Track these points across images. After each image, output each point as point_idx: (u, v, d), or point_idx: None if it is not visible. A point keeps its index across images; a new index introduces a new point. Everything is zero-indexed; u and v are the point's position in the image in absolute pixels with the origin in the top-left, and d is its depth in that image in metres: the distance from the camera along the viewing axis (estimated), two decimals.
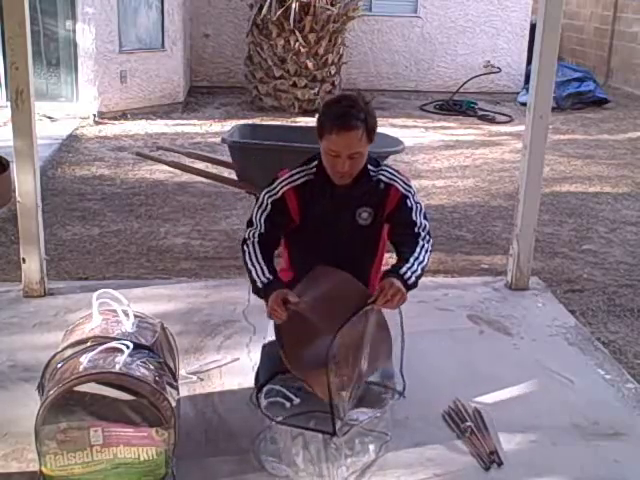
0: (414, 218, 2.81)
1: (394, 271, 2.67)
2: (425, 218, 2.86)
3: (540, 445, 2.78)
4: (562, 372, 3.31)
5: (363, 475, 2.56)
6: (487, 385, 3.17)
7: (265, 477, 2.56)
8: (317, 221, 2.79)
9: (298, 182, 2.79)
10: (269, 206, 2.79)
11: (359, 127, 2.60)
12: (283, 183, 2.79)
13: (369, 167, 2.78)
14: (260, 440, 2.69)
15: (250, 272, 2.74)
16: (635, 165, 7.98)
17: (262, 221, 2.81)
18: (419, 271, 2.70)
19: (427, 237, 2.82)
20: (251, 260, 2.76)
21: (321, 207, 2.77)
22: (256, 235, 2.81)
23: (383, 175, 2.81)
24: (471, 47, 11.75)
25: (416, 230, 2.81)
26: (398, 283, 2.60)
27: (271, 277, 2.70)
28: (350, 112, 2.61)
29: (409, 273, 2.66)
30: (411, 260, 2.70)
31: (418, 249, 2.75)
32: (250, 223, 2.86)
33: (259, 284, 2.70)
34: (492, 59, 11.76)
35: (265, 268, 2.71)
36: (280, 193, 2.78)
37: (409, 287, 2.65)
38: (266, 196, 2.81)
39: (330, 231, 2.79)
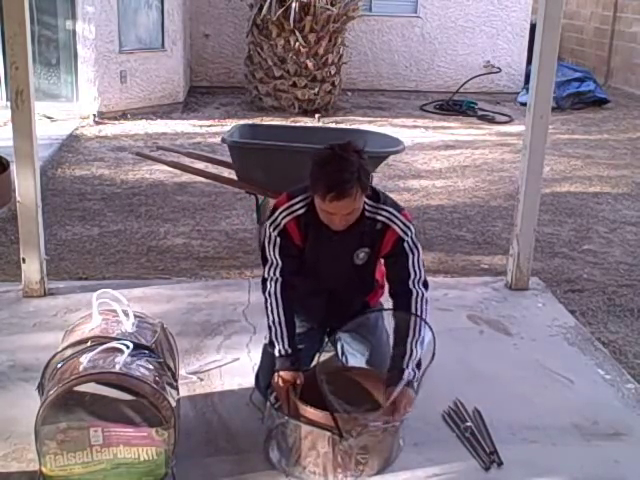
0: (410, 268, 2.72)
1: (396, 369, 2.60)
2: (421, 265, 2.75)
3: (540, 445, 2.79)
4: (562, 372, 3.31)
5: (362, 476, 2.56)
6: (487, 385, 3.17)
7: (265, 477, 2.56)
8: (314, 252, 2.74)
9: (298, 212, 2.70)
10: (277, 239, 2.71)
11: (353, 192, 2.49)
12: (284, 214, 2.71)
13: (367, 206, 2.66)
14: (270, 438, 2.68)
15: (270, 328, 2.70)
16: (635, 165, 7.98)
17: (277, 256, 2.72)
18: (415, 370, 2.62)
19: (422, 295, 2.72)
20: (273, 315, 2.70)
21: (318, 242, 2.72)
22: (277, 273, 2.72)
23: (381, 215, 2.68)
24: (471, 47, 11.75)
25: (410, 286, 2.72)
26: (410, 393, 2.57)
27: (290, 350, 2.66)
28: (343, 178, 2.47)
29: (410, 377, 2.59)
30: (406, 360, 2.60)
31: (411, 334, 2.65)
32: (265, 259, 2.76)
33: (276, 352, 2.67)
34: (492, 59, 11.76)
35: (286, 335, 2.67)
36: (282, 224, 2.70)
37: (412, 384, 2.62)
38: (270, 229, 2.72)
39: (326, 263, 2.77)
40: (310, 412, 2.51)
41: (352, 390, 2.69)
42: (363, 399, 2.68)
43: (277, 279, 2.72)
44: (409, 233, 2.70)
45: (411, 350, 2.62)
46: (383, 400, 2.59)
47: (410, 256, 2.71)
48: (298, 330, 2.76)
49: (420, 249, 2.76)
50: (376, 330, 2.94)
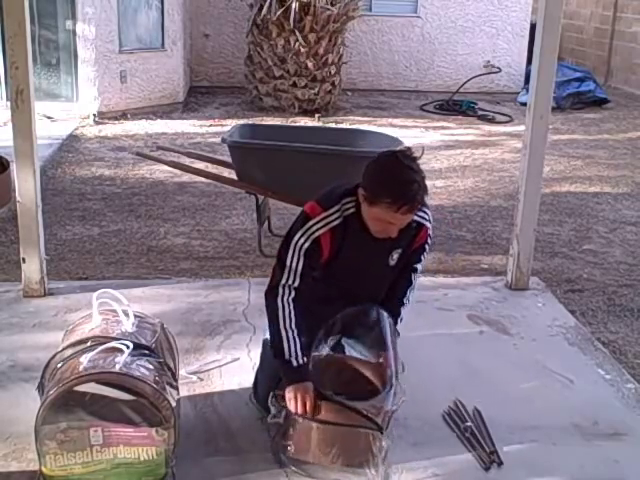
0: (422, 259, 2.86)
1: None
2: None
3: (540, 445, 2.79)
4: (562, 372, 3.31)
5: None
6: (487, 385, 3.17)
7: (265, 477, 2.56)
8: (347, 260, 2.65)
9: (334, 223, 2.58)
10: (306, 251, 2.58)
11: (419, 203, 2.50)
12: (319, 224, 2.57)
13: None
14: (278, 437, 2.65)
15: (280, 338, 2.57)
16: (635, 165, 7.98)
17: (299, 267, 2.59)
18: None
19: (413, 286, 2.88)
20: (285, 325, 2.57)
21: (356, 250, 2.63)
22: (295, 283, 2.60)
23: (417, 214, 2.65)
24: (471, 47, 11.75)
25: (412, 278, 2.87)
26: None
27: (302, 362, 2.56)
28: (413, 189, 2.43)
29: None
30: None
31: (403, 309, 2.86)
32: (283, 265, 2.61)
33: (292, 363, 2.55)
34: (492, 59, 11.76)
35: (300, 346, 2.56)
36: (316, 236, 2.57)
37: None
38: (302, 239, 2.58)
39: (359, 270, 2.68)
40: (343, 415, 2.48)
41: (344, 376, 2.66)
42: (357, 384, 2.64)
43: (292, 289, 2.61)
44: (431, 228, 2.80)
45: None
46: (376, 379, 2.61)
47: (426, 251, 2.83)
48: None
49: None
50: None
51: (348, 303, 2.70)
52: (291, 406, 2.50)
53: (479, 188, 6.87)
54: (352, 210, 2.59)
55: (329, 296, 2.72)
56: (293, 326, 2.58)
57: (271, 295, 2.63)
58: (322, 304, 2.70)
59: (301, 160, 4.65)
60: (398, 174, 2.46)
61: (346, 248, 2.61)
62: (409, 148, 2.58)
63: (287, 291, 2.61)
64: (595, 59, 14.02)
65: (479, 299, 4.05)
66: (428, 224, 2.75)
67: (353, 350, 2.88)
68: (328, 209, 2.60)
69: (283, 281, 2.61)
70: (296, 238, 2.59)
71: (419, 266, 2.89)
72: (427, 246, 2.83)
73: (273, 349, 2.61)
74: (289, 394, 2.51)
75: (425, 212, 2.72)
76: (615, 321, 4.20)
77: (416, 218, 2.66)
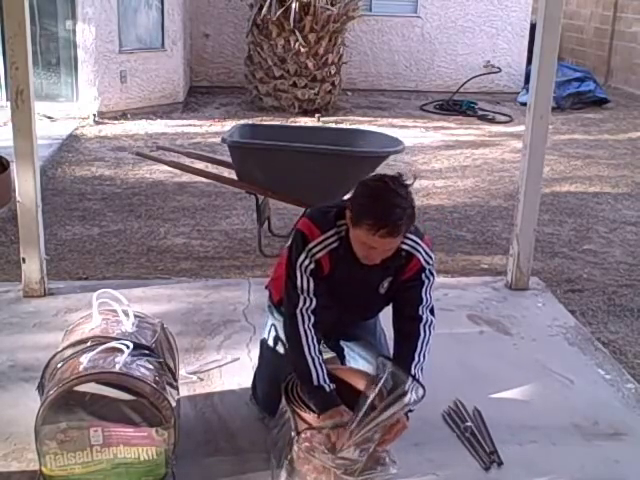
0: (422, 295, 2.66)
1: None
2: (432, 292, 2.71)
3: (540, 445, 2.79)
4: (562, 372, 3.31)
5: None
6: (487, 385, 3.17)
7: (265, 477, 2.56)
8: (341, 279, 2.62)
9: (333, 246, 2.56)
10: (311, 275, 2.57)
11: (403, 229, 2.40)
12: (318, 247, 2.55)
13: None
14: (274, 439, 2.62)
15: (305, 364, 2.50)
16: (635, 165, 7.98)
17: (311, 292, 2.57)
18: (420, 377, 2.57)
19: (430, 322, 2.66)
20: (311, 352, 2.52)
21: (347, 272, 2.60)
22: (311, 308, 2.57)
23: (406, 243, 2.58)
24: (471, 47, 11.74)
25: (420, 312, 2.65)
26: (404, 422, 2.47)
27: (333, 387, 2.48)
28: (396, 214, 2.36)
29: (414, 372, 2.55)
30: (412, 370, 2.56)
31: (416, 359, 2.60)
32: (295, 292, 2.58)
33: (323, 390, 2.47)
34: (492, 59, 11.75)
35: (326, 372, 2.50)
36: (316, 259, 2.55)
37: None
38: (304, 263, 2.56)
39: (350, 291, 2.66)
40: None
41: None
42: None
43: (311, 312, 2.57)
44: (430, 262, 2.64)
45: (417, 359, 2.60)
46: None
47: (426, 283, 2.66)
48: None
49: (434, 277, 2.69)
50: (375, 330, 2.95)
51: (341, 313, 2.72)
52: (333, 437, 2.38)
53: (479, 188, 6.87)
54: (344, 233, 2.55)
55: (328, 304, 2.69)
56: (317, 352, 2.54)
57: (292, 323, 2.59)
58: (322, 310, 2.68)
59: (301, 160, 4.65)
60: (382, 197, 2.40)
61: (339, 270, 2.60)
62: (400, 175, 2.50)
63: (307, 316, 2.57)
64: (595, 59, 14.02)
65: (479, 299, 4.05)
66: (420, 256, 2.60)
67: (352, 352, 2.89)
68: (327, 231, 2.57)
69: (300, 304, 2.57)
70: (300, 260, 2.57)
71: (425, 311, 2.67)
72: (426, 282, 2.66)
73: (298, 376, 2.55)
74: (327, 420, 2.41)
75: (418, 243, 2.61)
76: (615, 321, 4.20)
77: (405, 247, 2.58)
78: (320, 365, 2.50)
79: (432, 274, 2.67)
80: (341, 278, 2.61)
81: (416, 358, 2.60)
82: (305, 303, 2.57)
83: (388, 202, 2.37)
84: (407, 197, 2.41)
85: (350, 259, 2.54)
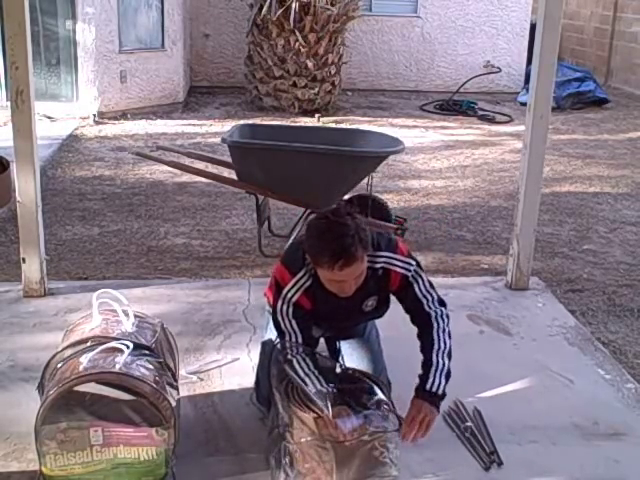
0: (420, 296, 2.69)
1: (421, 389, 2.59)
2: (429, 288, 2.71)
3: (540, 445, 2.79)
4: (562, 372, 3.31)
5: None
6: (487, 385, 3.17)
7: (265, 477, 2.56)
8: (325, 310, 2.67)
9: (307, 284, 2.59)
10: (292, 316, 2.63)
11: (358, 254, 2.40)
12: (292, 291, 2.60)
13: (367, 259, 2.55)
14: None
15: (307, 383, 2.49)
16: (635, 165, 7.98)
17: (296, 329, 2.63)
18: (444, 380, 2.60)
19: (441, 312, 2.70)
20: (305, 371, 2.53)
21: (328, 304, 2.63)
22: (298, 343, 2.63)
23: (379, 262, 2.62)
24: (471, 47, 11.75)
25: (427, 309, 2.69)
26: (427, 408, 2.54)
27: (332, 388, 2.48)
28: (345, 243, 2.36)
29: (435, 387, 2.58)
30: (432, 370, 2.60)
31: (436, 345, 2.64)
32: (282, 332, 2.65)
33: (322, 392, 2.47)
34: (492, 59, 11.76)
35: (322, 379, 2.50)
36: (293, 301, 2.60)
37: (442, 397, 2.60)
38: (283, 308, 2.62)
39: (336, 318, 2.73)
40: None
41: None
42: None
43: (299, 345, 2.63)
44: (411, 268, 2.66)
45: (437, 361, 2.61)
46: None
47: (415, 285, 2.68)
48: None
49: (424, 276, 2.71)
50: (368, 333, 2.98)
51: (332, 329, 2.83)
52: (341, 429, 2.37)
53: (479, 188, 6.87)
54: (314, 270, 2.56)
55: (316, 326, 2.76)
56: (313, 368, 2.54)
57: (284, 359, 2.60)
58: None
59: (301, 160, 4.65)
60: (327, 232, 2.41)
61: (321, 302, 2.62)
62: (339, 206, 2.53)
63: (294, 347, 2.61)
64: (595, 59, 14.02)
65: (479, 299, 4.05)
66: (398, 268, 2.63)
67: (349, 348, 2.90)
68: (297, 273, 2.59)
69: (287, 338, 2.64)
70: (279, 306, 2.63)
71: (431, 306, 2.70)
72: (415, 284, 2.68)
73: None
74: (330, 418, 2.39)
75: (390, 257, 2.62)
76: (615, 321, 4.20)
77: (379, 265, 2.60)
78: (317, 378, 2.50)
79: (419, 274, 2.70)
80: (325, 309, 2.65)
81: (435, 345, 2.64)
82: (292, 338, 2.63)
83: (335, 235, 2.39)
84: (352, 223, 2.42)
85: (327, 292, 2.56)
